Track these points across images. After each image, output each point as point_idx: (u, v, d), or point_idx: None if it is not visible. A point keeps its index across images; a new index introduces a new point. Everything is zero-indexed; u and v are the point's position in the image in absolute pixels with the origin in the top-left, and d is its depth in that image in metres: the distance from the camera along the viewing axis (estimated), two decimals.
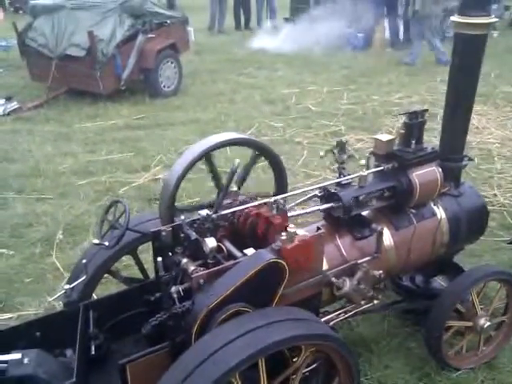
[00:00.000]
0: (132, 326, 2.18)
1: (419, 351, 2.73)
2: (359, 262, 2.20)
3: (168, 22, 7.71)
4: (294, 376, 1.94)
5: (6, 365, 1.73)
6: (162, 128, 6.40)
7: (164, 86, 7.58)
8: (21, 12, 14.67)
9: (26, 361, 1.74)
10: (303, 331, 1.72)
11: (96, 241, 2.01)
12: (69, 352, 1.98)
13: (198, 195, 4.36)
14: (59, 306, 3.10)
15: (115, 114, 6.83)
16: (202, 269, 1.89)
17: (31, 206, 4.34)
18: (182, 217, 2.01)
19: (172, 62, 7.64)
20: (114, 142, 5.86)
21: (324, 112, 6.86)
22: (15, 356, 1.75)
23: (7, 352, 1.79)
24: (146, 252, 2.68)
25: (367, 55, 10.33)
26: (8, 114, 6.72)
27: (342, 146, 2.25)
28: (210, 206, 2.21)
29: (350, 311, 2.32)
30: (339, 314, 2.31)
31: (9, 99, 6.90)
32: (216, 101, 7.45)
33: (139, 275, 2.59)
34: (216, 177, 2.27)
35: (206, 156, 2.21)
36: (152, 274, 2.43)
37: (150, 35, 7.28)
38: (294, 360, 1.91)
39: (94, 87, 6.97)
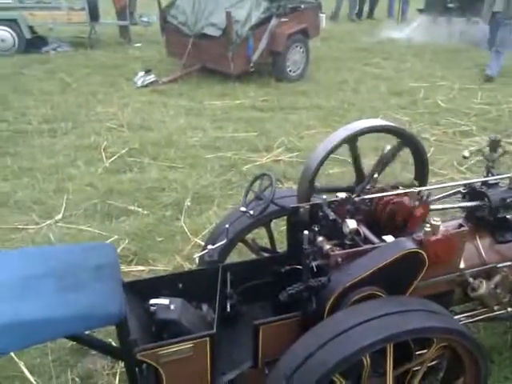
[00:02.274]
0: (260, 293, 2.31)
1: None
2: (499, 265, 2.12)
3: (302, 6, 7.76)
4: (416, 369, 1.94)
5: (155, 308, 1.93)
6: (286, 111, 6.51)
7: (290, 71, 7.69)
8: None
9: (172, 307, 1.92)
10: (440, 324, 1.72)
11: (243, 208, 2.15)
12: (204, 307, 2.14)
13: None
14: (186, 265, 3.36)
15: (242, 94, 7.07)
16: (338, 248, 1.95)
17: (164, 173, 4.68)
18: (324, 196, 2.08)
19: (301, 47, 7.71)
20: (239, 121, 6.09)
21: (454, 110, 6.54)
22: (163, 301, 1.94)
23: (155, 297, 1.98)
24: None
25: (507, 54, 9.59)
26: (146, 85, 7.24)
27: (494, 144, 2.16)
28: (347, 190, 2.25)
29: (479, 315, 2.25)
30: (468, 315, 2.25)
31: (148, 72, 7.42)
32: (340, 89, 7.41)
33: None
34: (357, 163, 2.30)
35: (350, 141, 2.24)
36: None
37: (283, 19, 7.40)
38: (418, 353, 1.91)
39: (225, 67, 7.26)
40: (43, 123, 5.79)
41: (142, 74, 7.39)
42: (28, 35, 8.91)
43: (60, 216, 3.92)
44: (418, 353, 1.91)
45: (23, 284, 1.62)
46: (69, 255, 1.81)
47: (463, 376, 1.96)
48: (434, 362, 2.00)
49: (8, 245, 3.54)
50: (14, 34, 8.80)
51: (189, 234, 3.72)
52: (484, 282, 2.08)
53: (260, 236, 3.08)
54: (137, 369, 1.81)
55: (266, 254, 2.51)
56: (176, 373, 1.83)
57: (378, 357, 1.79)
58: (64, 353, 2.65)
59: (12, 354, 2.53)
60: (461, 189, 2.21)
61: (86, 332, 1.77)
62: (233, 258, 2.54)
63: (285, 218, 2.48)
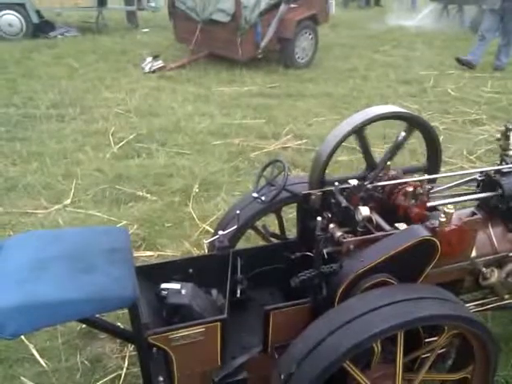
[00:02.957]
0: (269, 279, 2.32)
1: None
2: (511, 254, 2.10)
3: None
4: (425, 356, 1.94)
5: (166, 292, 1.93)
6: (294, 99, 6.48)
7: (298, 58, 7.63)
8: None
9: (183, 292, 1.92)
10: (452, 312, 1.71)
11: (254, 194, 2.15)
12: (214, 292, 2.14)
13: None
14: (194, 251, 3.37)
15: (250, 80, 7.03)
16: (350, 235, 1.94)
17: (172, 159, 4.68)
18: (336, 183, 2.07)
19: (310, 34, 7.65)
20: (247, 108, 6.06)
21: (464, 98, 6.48)
22: (174, 286, 1.94)
23: (166, 281, 1.99)
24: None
25: None
26: (153, 71, 7.22)
27: (509, 133, 2.13)
28: (359, 179, 2.24)
29: (489, 304, 2.24)
30: (477, 304, 2.24)
31: (155, 57, 7.39)
32: (349, 76, 7.35)
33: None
34: (367, 151, 2.28)
35: (358, 129, 2.22)
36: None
37: (292, 5, 7.33)
38: (427, 341, 1.91)
39: (233, 53, 7.21)
40: (51, 108, 5.79)
41: (149, 59, 7.37)
42: (36, 20, 8.88)
43: (69, 201, 3.93)
44: (427, 340, 1.91)
45: (36, 266, 1.62)
46: (82, 238, 1.81)
47: (473, 364, 1.96)
48: (442, 350, 2.01)
49: (17, 229, 3.55)
50: (22, 19, 8.77)
51: (197, 220, 3.72)
52: (496, 270, 2.08)
53: (267, 223, 3.07)
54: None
55: (275, 241, 2.50)
56: (186, 356, 1.84)
57: (387, 343, 1.79)
58: (73, 336, 2.67)
59: (22, 336, 2.56)
60: (474, 177, 2.19)
61: (97, 315, 1.78)
62: (240, 244, 2.54)
63: (293, 205, 2.48)
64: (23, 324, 1.52)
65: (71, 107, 5.82)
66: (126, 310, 2.49)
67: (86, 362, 2.52)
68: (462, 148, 4.96)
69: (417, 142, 3.51)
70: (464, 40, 9.50)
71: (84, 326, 2.59)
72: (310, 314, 1.91)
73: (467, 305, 2.23)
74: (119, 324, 2.54)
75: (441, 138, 5.11)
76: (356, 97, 6.49)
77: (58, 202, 3.91)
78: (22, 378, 2.40)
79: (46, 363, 2.50)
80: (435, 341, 1.86)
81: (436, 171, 2.34)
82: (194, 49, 7.56)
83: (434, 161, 2.37)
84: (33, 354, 2.54)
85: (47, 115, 5.58)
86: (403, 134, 2.04)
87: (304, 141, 5.12)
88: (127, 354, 2.55)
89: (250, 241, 3.23)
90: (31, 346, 2.57)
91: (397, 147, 2.14)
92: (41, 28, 9.01)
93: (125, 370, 2.47)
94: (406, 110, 2.26)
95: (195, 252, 3.35)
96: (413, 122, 2.25)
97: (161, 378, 1.90)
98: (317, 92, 6.70)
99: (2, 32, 8.66)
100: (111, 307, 1.66)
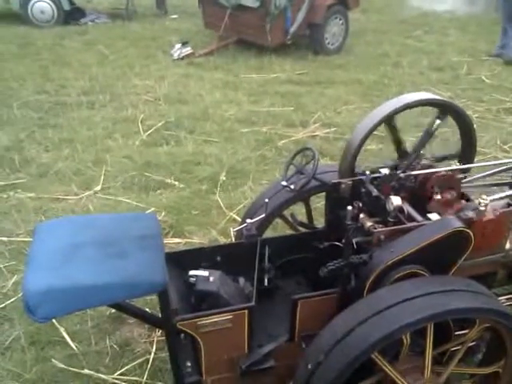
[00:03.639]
0: (297, 268, 2.31)
1: None
2: None
3: None
4: (454, 349, 1.90)
5: (194, 279, 1.95)
6: (323, 86, 6.39)
7: (328, 43, 7.51)
8: None
9: (211, 279, 1.94)
10: (484, 305, 1.67)
11: (283, 183, 2.13)
12: (241, 280, 2.15)
13: None
14: (221, 239, 3.39)
15: (278, 67, 6.97)
16: (380, 225, 1.91)
17: (200, 147, 4.69)
18: (367, 172, 2.03)
19: (340, 19, 7.51)
20: (275, 95, 6.01)
21: (499, 86, 6.28)
22: (203, 273, 1.95)
23: (194, 269, 2.00)
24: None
25: None
26: (182, 58, 7.21)
27: None
28: (390, 168, 2.20)
29: None
30: (509, 298, 2.19)
31: (184, 44, 7.38)
32: (380, 63, 7.20)
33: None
34: (398, 140, 2.23)
35: (390, 118, 2.17)
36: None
37: None
38: (457, 333, 1.88)
39: (262, 39, 7.14)
40: (82, 95, 5.86)
41: (178, 46, 7.36)
42: (67, 7, 8.97)
43: (99, 187, 3.99)
44: (457, 333, 1.88)
45: (69, 251, 1.65)
46: (113, 224, 1.84)
47: (504, 358, 1.92)
48: (473, 343, 1.97)
49: (49, 214, 3.63)
50: (54, 6, 8.87)
51: (224, 208, 3.73)
52: None
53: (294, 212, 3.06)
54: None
55: (303, 230, 2.49)
56: (214, 343, 1.86)
57: (417, 335, 1.77)
58: (103, 320, 2.73)
59: (53, 320, 2.62)
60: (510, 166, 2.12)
61: (127, 300, 1.81)
62: (267, 234, 2.54)
63: (320, 194, 2.45)
64: (55, 308, 1.56)
65: (101, 94, 5.88)
66: (154, 296, 2.55)
67: (115, 346, 2.57)
68: (495, 137, 4.82)
69: (450, 131, 3.42)
70: (499, 24, 9.16)
71: (113, 310, 2.64)
72: (337, 304, 1.90)
73: (499, 298, 2.18)
74: (147, 309, 2.57)
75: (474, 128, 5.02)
76: (387, 84, 6.36)
77: (88, 189, 3.98)
78: (53, 360, 2.46)
79: (77, 346, 2.56)
80: (466, 334, 1.82)
81: (470, 161, 2.28)
82: (222, 35, 7.52)
83: (467, 150, 2.30)
84: (63, 337, 2.60)
85: (78, 102, 5.65)
86: (437, 121, 1.98)
87: (333, 129, 5.06)
88: (155, 339, 2.59)
89: (277, 230, 3.22)
90: (62, 330, 2.64)
91: (429, 135, 2.09)
92: (72, 15, 9.10)
93: (153, 354, 2.51)
94: (439, 97, 2.20)
95: (222, 240, 3.36)
96: (447, 109, 2.19)
97: (188, 364, 1.93)
98: (347, 79, 6.59)
99: (34, 19, 8.79)
100: (142, 292, 1.69)
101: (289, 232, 2.68)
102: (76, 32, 8.55)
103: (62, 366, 2.43)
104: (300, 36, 7.55)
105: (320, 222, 2.61)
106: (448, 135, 4.27)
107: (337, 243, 2.06)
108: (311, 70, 6.87)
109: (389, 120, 2.18)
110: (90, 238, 1.73)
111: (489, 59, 7.27)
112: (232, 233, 3.35)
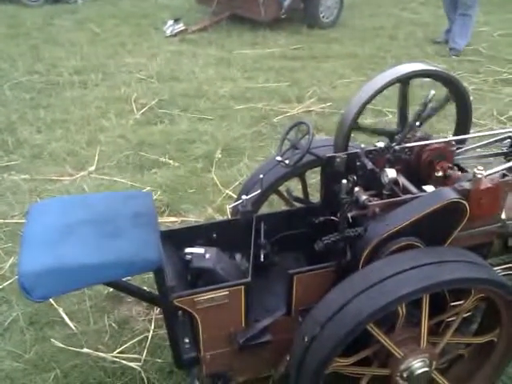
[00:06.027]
0: (293, 243, 2.31)
1: None
2: None
3: None
4: (450, 320, 1.92)
5: (190, 256, 1.95)
6: (318, 60, 6.32)
7: (323, 17, 7.40)
8: None
9: (207, 256, 1.93)
10: (480, 275, 1.68)
11: (278, 158, 2.11)
12: (238, 256, 2.15)
13: None
14: (217, 216, 3.38)
15: (273, 42, 6.88)
16: (375, 199, 1.90)
17: (194, 124, 4.65)
18: (362, 145, 2.01)
19: None
20: (270, 71, 5.94)
21: (495, 57, 6.23)
22: (199, 250, 1.95)
23: (190, 246, 2.00)
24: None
25: None
26: (175, 35, 7.10)
27: None
28: (389, 134, 2.18)
29: None
30: (505, 268, 2.20)
31: (176, 21, 7.26)
32: (375, 35, 7.12)
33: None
34: (403, 109, 2.21)
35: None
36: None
37: None
38: (453, 304, 1.89)
39: (256, 14, 7.03)
40: (74, 75, 5.78)
41: (170, 22, 7.23)
42: None
43: (93, 167, 3.96)
44: (453, 304, 1.89)
45: (63, 231, 1.64)
46: (107, 202, 1.82)
47: (499, 327, 1.94)
48: (468, 314, 1.98)
49: (44, 195, 3.61)
50: None
51: (220, 185, 3.71)
52: None
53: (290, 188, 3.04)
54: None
55: (298, 205, 2.48)
56: (211, 319, 1.86)
57: (412, 307, 1.78)
58: (101, 299, 2.73)
59: (51, 300, 2.63)
60: (506, 135, 2.11)
61: (124, 279, 1.81)
62: (263, 209, 2.53)
63: (315, 170, 2.43)
64: (51, 287, 1.56)
65: (94, 73, 5.79)
66: (151, 274, 2.55)
67: (114, 325, 2.58)
68: (492, 108, 4.79)
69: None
70: None
71: (111, 289, 2.65)
72: (333, 277, 1.90)
73: (495, 268, 2.19)
74: (145, 287, 2.58)
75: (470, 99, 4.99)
76: (383, 57, 6.29)
77: (82, 169, 3.95)
78: (53, 340, 2.48)
79: (75, 326, 2.57)
80: (461, 304, 1.83)
81: (466, 132, 2.26)
82: (215, 10, 7.40)
83: (463, 121, 2.28)
84: (62, 317, 2.61)
85: (70, 82, 5.58)
86: (432, 92, 1.96)
87: (328, 104, 5.01)
88: (153, 317, 2.61)
89: (274, 206, 3.22)
90: (60, 310, 2.64)
91: (424, 106, 2.06)
92: None
93: (151, 332, 2.52)
94: (433, 67, 2.17)
95: (218, 217, 3.35)
96: (441, 79, 2.16)
97: (186, 340, 1.94)
98: (342, 53, 6.51)
99: None
100: (137, 270, 1.68)
101: (284, 208, 2.67)
102: (66, 11, 8.39)
103: (62, 345, 2.45)
104: (294, 10, 7.43)
105: (316, 198, 2.59)
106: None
107: (332, 218, 2.06)
108: (306, 45, 6.78)
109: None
110: (83, 216, 1.71)
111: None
112: (228, 210, 3.34)
